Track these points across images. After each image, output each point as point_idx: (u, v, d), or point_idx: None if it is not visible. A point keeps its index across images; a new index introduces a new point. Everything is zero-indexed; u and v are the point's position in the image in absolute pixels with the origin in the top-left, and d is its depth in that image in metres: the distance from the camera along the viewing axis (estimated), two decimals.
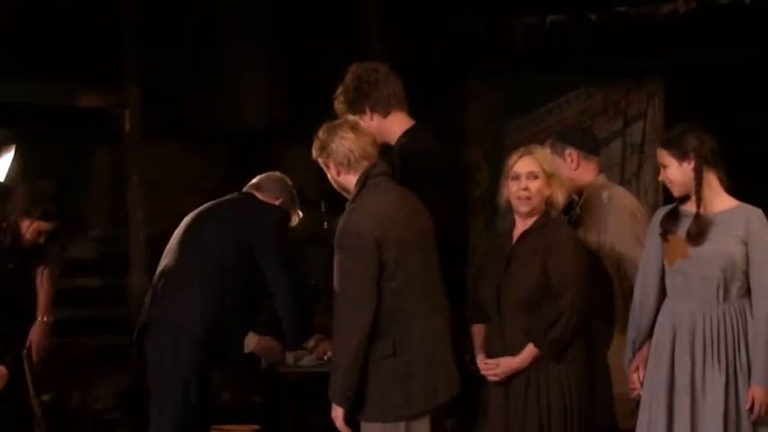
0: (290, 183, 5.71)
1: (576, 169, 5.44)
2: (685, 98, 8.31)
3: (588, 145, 5.54)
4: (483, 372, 5.05)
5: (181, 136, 8.88)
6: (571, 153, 5.45)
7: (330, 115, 5.15)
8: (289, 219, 5.57)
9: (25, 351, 5.89)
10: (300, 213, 5.72)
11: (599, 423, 5.13)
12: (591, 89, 9.11)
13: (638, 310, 4.98)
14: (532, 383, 4.97)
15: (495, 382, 5.02)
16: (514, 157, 5.09)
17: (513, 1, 8.84)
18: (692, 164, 4.83)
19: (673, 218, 4.90)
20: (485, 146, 9.24)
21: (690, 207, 4.87)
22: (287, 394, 7.21)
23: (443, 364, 4.84)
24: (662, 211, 4.98)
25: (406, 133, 5.19)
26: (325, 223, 8.23)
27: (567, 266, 4.97)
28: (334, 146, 4.89)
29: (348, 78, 5.25)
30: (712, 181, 4.85)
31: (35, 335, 5.97)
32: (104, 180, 8.93)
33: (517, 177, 5.05)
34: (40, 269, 5.98)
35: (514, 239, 5.10)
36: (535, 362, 4.97)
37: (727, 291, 4.79)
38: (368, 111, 5.21)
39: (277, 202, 5.59)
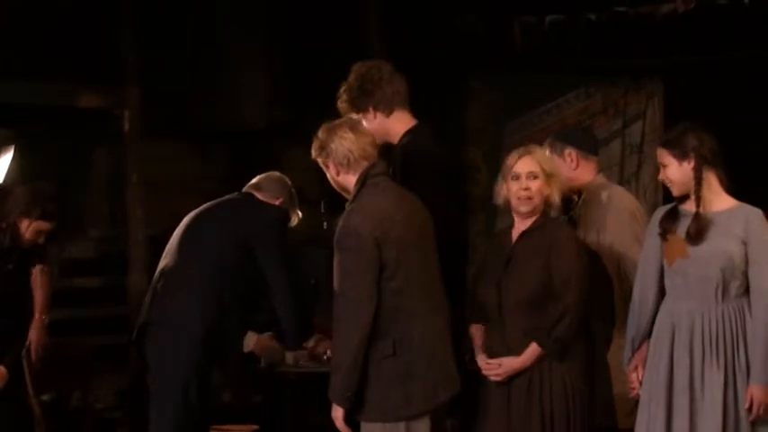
0: (289, 183, 5.71)
1: (576, 169, 5.44)
2: (684, 98, 8.31)
3: (587, 145, 5.54)
4: (485, 372, 5.05)
5: (181, 136, 8.88)
6: (570, 153, 5.45)
7: (330, 115, 5.14)
8: (288, 219, 5.56)
9: (24, 350, 5.90)
10: (300, 213, 5.71)
11: (599, 423, 5.13)
12: (590, 89, 9.11)
13: (637, 310, 4.98)
14: (534, 383, 4.97)
15: (497, 383, 5.02)
16: (514, 157, 5.09)
17: (512, 1, 8.83)
18: (692, 163, 4.83)
19: (672, 217, 4.90)
20: (485, 146, 9.24)
21: (689, 207, 4.86)
22: (286, 394, 7.21)
23: (443, 363, 4.84)
24: (661, 211, 4.98)
25: (408, 132, 5.19)
26: (325, 223, 8.23)
27: (570, 267, 4.96)
28: (333, 146, 4.88)
29: (352, 77, 5.24)
30: (712, 181, 4.85)
31: (33, 333, 5.99)
32: (104, 180, 8.93)
33: (517, 177, 5.05)
34: (38, 268, 5.98)
35: (514, 239, 5.10)
36: (537, 362, 4.97)
37: (726, 290, 4.79)
38: (371, 109, 5.20)
39: (277, 202, 5.59)
